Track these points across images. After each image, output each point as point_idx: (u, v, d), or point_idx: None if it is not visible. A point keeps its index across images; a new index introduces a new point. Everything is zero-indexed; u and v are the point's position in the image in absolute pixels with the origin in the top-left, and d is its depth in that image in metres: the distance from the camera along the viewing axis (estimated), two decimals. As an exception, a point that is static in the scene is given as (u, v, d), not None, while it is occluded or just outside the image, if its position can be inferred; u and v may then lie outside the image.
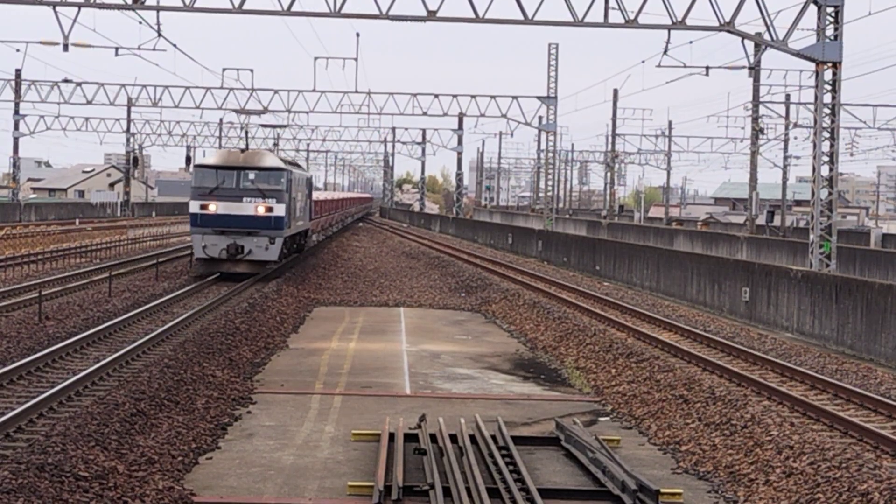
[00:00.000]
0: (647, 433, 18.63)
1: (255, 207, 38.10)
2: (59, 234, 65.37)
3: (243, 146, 44.22)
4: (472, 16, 35.21)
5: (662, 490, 14.14)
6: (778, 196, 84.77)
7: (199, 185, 38.52)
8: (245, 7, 34.99)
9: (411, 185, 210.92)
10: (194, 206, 38.41)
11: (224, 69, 62.05)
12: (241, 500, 14.13)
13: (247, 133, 48.25)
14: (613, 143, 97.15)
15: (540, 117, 72.70)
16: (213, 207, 38.04)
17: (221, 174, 38.35)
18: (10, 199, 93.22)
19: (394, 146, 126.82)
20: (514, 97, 70.37)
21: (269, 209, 38.13)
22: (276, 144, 60.28)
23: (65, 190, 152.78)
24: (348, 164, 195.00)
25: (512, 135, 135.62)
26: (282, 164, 39.15)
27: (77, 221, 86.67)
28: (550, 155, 74.69)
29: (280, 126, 61.46)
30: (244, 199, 38.13)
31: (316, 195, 61.53)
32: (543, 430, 18.56)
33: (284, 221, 38.62)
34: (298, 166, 48.64)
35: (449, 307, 37.62)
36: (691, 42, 41.50)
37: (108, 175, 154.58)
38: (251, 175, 38.28)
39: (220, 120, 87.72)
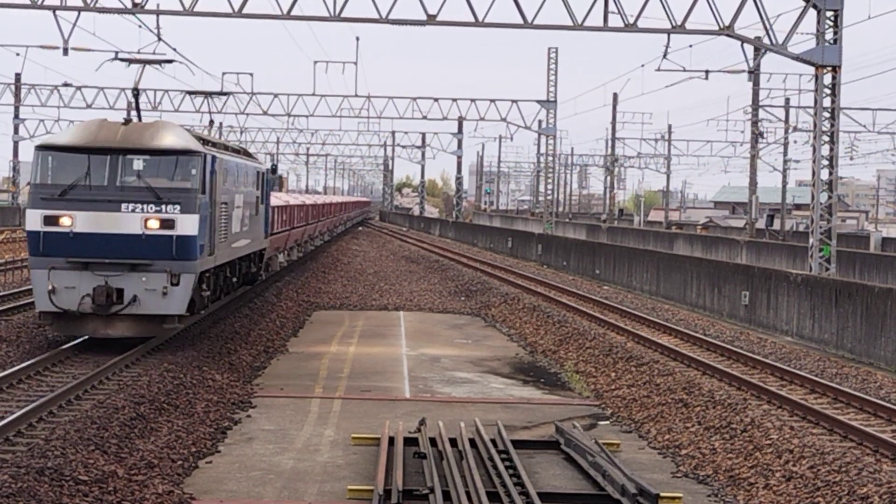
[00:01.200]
0: (647, 437, 18.64)
1: (144, 221, 22.49)
2: (59, 238, 65.16)
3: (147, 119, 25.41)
4: (472, 20, 35.22)
5: (662, 494, 14.14)
6: (778, 200, 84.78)
7: (42, 182, 22.80)
8: (245, 11, 35.01)
9: (411, 189, 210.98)
10: (33, 220, 22.62)
11: (224, 73, 62.14)
12: (241, 504, 14.14)
13: (137, 95, 25.56)
14: (613, 147, 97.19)
15: (539, 121, 72.84)
16: (68, 222, 22.43)
17: (83, 162, 22.75)
18: (10, 203, 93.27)
19: (393, 150, 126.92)
20: (514, 101, 70.46)
21: (169, 223, 22.56)
22: (211, 123, 36.73)
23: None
24: (348, 168, 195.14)
25: (512, 139, 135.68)
26: (194, 145, 23.39)
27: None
28: (550, 159, 74.75)
29: (217, 93, 38.48)
30: (124, 207, 22.49)
31: (289, 199, 47.84)
32: (543, 433, 18.56)
33: (196, 244, 22.88)
34: (244, 153, 31.83)
35: (449, 311, 37.62)
36: (691, 46, 41.43)
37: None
38: (137, 163, 22.84)
39: (220, 124, 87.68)
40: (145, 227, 22.49)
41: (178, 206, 22.63)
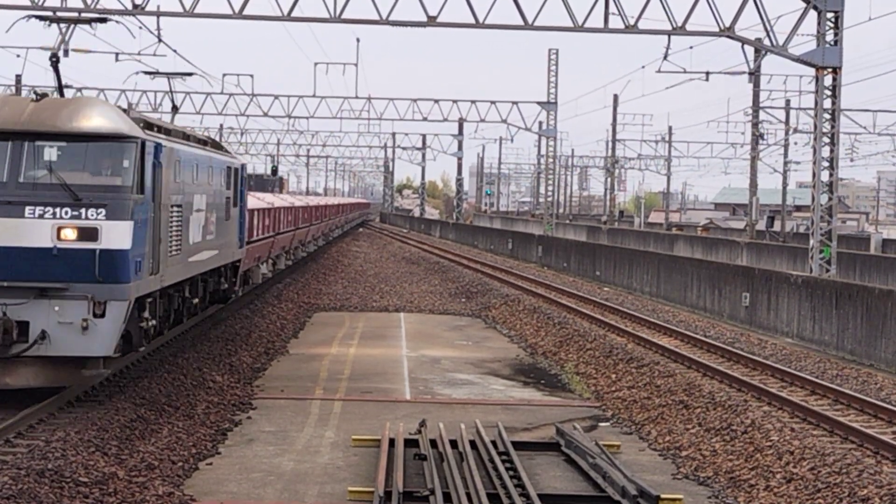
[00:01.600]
0: (648, 438, 18.63)
1: (57, 230, 16.96)
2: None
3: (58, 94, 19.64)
4: (473, 21, 35.21)
5: (663, 495, 14.13)
6: (778, 201, 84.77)
7: None
8: (245, 12, 35.01)
9: (411, 191, 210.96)
10: None
11: (224, 74, 62.14)
12: (241, 506, 14.14)
13: (56, 63, 18.80)
14: (613, 149, 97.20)
15: (540, 122, 72.79)
16: None
17: None
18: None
19: (394, 151, 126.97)
20: (515, 102, 70.48)
21: (91, 233, 16.99)
22: (174, 109, 28.21)
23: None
24: (348, 170, 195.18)
25: (512, 140, 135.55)
26: (128, 128, 17.75)
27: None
28: (550, 160, 74.77)
29: (179, 74, 28.79)
30: (29, 211, 16.98)
31: (274, 200, 41.90)
32: (544, 435, 18.55)
33: (129, 260, 17.27)
34: (213, 144, 26.15)
35: (449, 312, 37.60)
36: (691, 47, 41.42)
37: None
38: (49, 152, 17.32)
39: (221, 125, 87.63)
40: (58, 238, 16.90)
41: (103, 211, 17.02)
